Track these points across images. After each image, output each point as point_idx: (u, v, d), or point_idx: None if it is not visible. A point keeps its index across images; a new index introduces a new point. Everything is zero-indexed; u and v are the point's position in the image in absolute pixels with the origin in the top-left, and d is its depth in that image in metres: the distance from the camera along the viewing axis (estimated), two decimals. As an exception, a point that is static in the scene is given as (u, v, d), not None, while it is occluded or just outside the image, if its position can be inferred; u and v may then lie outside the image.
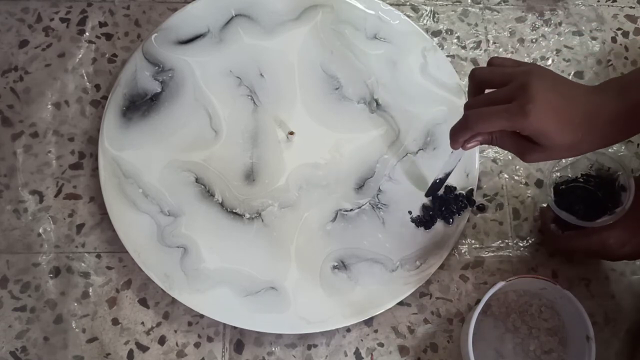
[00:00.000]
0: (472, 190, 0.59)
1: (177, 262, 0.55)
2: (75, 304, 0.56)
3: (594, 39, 0.69)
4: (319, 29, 0.65)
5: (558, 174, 0.55)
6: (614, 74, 0.67)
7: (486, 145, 0.63)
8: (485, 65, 0.49)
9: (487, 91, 0.47)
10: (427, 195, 0.59)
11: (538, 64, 0.65)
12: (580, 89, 0.45)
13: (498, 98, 0.44)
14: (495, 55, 0.67)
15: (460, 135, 0.46)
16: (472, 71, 0.47)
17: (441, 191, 0.59)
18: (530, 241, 0.60)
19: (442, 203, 0.58)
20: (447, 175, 0.56)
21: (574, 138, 0.43)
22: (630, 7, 0.70)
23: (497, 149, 0.63)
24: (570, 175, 0.55)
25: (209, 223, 0.57)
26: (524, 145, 0.44)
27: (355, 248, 0.57)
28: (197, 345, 0.55)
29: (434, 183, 0.57)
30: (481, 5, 0.70)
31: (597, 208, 0.53)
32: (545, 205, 0.60)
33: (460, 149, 0.47)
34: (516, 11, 0.70)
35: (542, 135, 0.42)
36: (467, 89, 0.48)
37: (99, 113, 0.62)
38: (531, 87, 0.42)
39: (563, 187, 0.55)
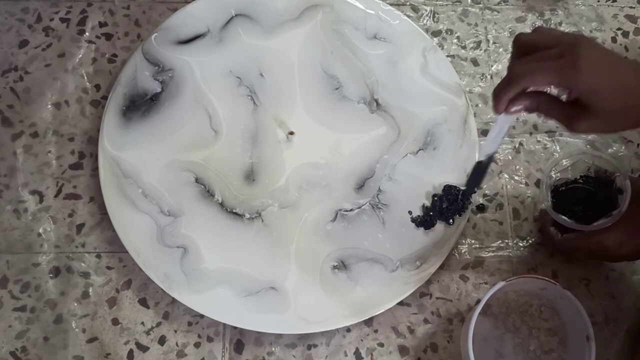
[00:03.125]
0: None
1: (177, 262, 0.55)
2: (75, 304, 0.56)
3: (594, 39, 0.69)
4: (319, 28, 0.65)
5: (558, 174, 0.55)
6: (614, 74, 0.67)
7: (486, 145, 0.63)
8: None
9: None
10: (469, 185, 0.56)
11: None
12: (629, 60, 0.43)
13: (545, 56, 0.41)
14: (496, 54, 0.67)
15: (504, 92, 0.42)
16: (517, 35, 0.44)
17: (439, 191, 0.59)
18: (530, 241, 0.60)
19: (442, 203, 0.58)
20: (491, 156, 0.50)
21: (626, 102, 0.41)
22: (630, 7, 0.70)
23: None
24: (569, 177, 0.55)
25: (208, 223, 0.57)
26: (573, 112, 0.41)
27: (355, 248, 0.57)
28: (197, 345, 0.55)
29: (477, 166, 0.52)
30: (481, 5, 0.70)
31: (596, 209, 0.53)
32: (544, 206, 0.60)
33: (503, 117, 0.44)
34: (516, 11, 0.70)
35: (593, 95, 0.40)
36: (510, 55, 0.45)
37: (99, 113, 0.62)
38: (581, 46, 0.40)
39: (563, 188, 0.55)
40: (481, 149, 0.52)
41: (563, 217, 0.53)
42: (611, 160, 0.53)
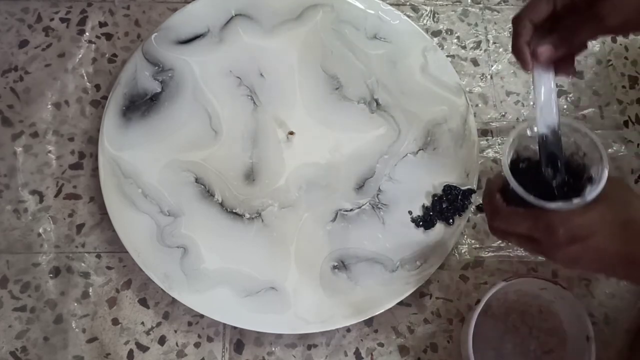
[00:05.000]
0: (470, 189, 0.59)
1: (177, 262, 0.55)
2: (75, 304, 0.56)
3: (594, 38, 0.69)
4: (319, 28, 0.65)
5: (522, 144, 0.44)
6: (613, 74, 0.67)
7: (485, 145, 0.63)
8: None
9: None
10: (546, 173, 0.43)
11: None
12: None
13: None
14: (496, 54, 0.67)
15: (518, 37, 0.38)
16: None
17: (439, 191, 0.59)
18: (530, 241, 0.60)
19: (442, 203, 0.58)
20: (555, 129, 0.39)
21: None
22: (631, 7, 0.70)
23: (496, 148, 0.63)
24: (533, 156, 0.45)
25: (208, 223, 0.57)
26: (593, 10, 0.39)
27: (355, 248, 0.57)
28: (197, 345, 0.55)
29: (544, 145, 0.42)
30: (481, 5, 0.70)
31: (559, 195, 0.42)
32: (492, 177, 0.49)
33: (540, 73, 0.37)
34: (516, 11, 0.69)
35: None
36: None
37: (99, 113, 0.62)
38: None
39: (523, 164, 0.44)
40: (538, 121, 0.41)
41: (517, 185, 0.40)
42: (594, 140, 0.41)
